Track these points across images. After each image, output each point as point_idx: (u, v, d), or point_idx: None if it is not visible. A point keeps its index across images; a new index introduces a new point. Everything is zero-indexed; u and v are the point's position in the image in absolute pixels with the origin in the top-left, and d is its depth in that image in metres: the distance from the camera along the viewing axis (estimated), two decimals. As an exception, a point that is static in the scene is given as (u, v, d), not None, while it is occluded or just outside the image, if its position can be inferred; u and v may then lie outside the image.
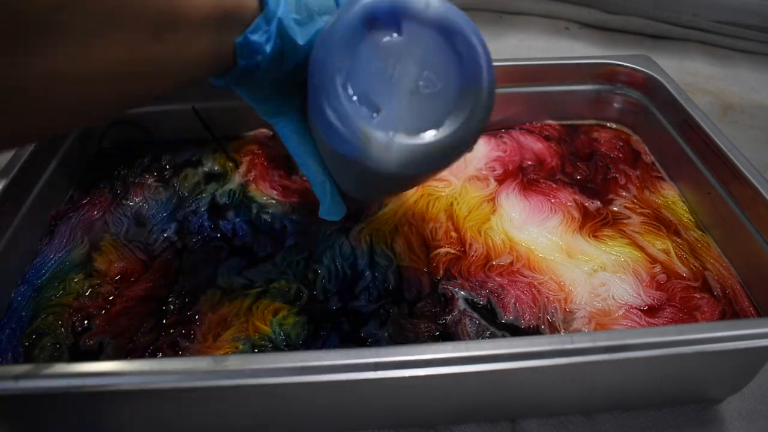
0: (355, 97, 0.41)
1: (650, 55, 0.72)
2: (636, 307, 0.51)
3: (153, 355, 0.48)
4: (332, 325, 0.50)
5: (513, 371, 0.39)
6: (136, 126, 0.72)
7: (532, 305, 0.52)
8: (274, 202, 0.64)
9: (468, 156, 0.70)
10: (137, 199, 0.64)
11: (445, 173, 0.67)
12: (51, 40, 0.29)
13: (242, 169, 0.68)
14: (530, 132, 0.73)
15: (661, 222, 0.60)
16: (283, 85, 0.48)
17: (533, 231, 0.59)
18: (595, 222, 0.60)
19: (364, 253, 0.57)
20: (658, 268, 0.55)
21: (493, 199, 0.63)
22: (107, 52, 0.32)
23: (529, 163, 0.69)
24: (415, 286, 0.54)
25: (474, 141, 0.44)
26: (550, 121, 0.75)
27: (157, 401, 0.42)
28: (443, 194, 0.64)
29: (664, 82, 0.68)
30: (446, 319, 0.51)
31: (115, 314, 0.51)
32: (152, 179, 0.67)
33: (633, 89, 0.72)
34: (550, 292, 0.52)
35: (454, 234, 0.59)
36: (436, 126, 0.42)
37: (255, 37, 0.42)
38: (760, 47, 1.05)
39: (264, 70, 0.45)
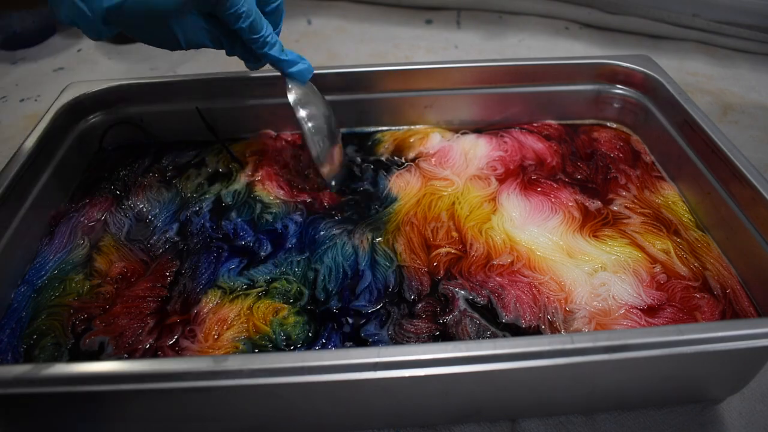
0: None
1: (650, 55, 0.72)
2: (636, 307, 0.51)
3: (153, 355, 0.48)
4: (333, 325, 0.50)
5: (513, 371, 0.39)
6: (136, 126, 0.72)
7: (533, 305, 0.52)
8: (278, 201, 0.64)
9: (470, 155, 0.70)
10: (138, 200, 0.64)
11: (448, 173, 0.67)
12: None
13: (248, 169, 0.68)
14: (530, 132, 0.73)
15: (661, 222, 0.60)
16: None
17: (534, 231, 0.59)
18: (596, 222, 0.60)
19: (365, 253, 0.57)
20: (658, 268, 0.55)
21: (494, 199, 0.63)
22: None
23: (530, 162, 0.69)
24: (416, 287, 0.54)
25: None
26: (550, 121, 0.75)
27: (157, 401, 0.42)
28: (445, 194, 0.64)
29: (664, 82, 0.68)
30: (446, 319, 0.51)
31: (115, 314, 0.51)
32: (154, 180, 0.67)
33: (633, 89, 0.72)
34: (551, 292, 0.52)
35: (455, 234, 0.59)
36: None
37: None
38: (760, 47, 1.05)
39: None
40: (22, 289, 0.54)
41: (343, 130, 0.75)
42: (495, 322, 0.51)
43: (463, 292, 0.53)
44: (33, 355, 0.49)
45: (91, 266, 0.56)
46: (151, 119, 0.72)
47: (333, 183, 0.66)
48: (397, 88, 0.72)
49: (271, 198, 0.64)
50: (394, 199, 0.64)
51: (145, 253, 0.58)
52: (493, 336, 0.49)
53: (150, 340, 0.49)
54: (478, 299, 0.52)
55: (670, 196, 0.64)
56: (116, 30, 0.51)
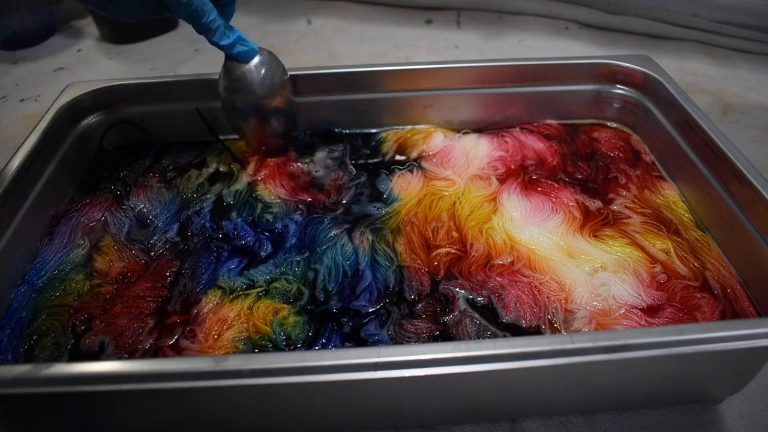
0: None
1: (650, 55, 0.72)
2: (636, 307, 0.51)
3: (153, 355, 0.48)
4: (333, 325, 0.50)
5: (513, 371, 0.39)
6: (136, 126, 0.72)
7: (533, 305, 0.52)
8: (279, 201, 0.64)
9: (471, 155, 0.70)
10: (139, 200, 0.64)
11: (449, 172, 0.67)
12: None
13: (250, 168, 0.68)
14: (531, 131, 0.73)
15: (661, 222, 0.60)
16: None
17: (534, 231, 0.59)
18: (596, 222, 0.60)
19: (365, 253, 0.57)
20: (658, 268, 0.55)
21: (494, 199, 0.63)
22: None
23: (531, 162, 0.69)
24: (416, 287, 0.54)
25: None
26: (550, 121, 0.75)
27: (157, 401, 0.42)
28: (446, 194, 0.64)
29: (664, 82, 0.68)
30: (447, 320, 0.51)
31: (115, 314, 0.51)
32: (154, 180, 0.67)
33: (633, 89, 0.72)
34: (551, 292, 0.52)
35: (455, 234, 0.59)
36: None
37: None
38: (760, 47, 1.05)
39: None
40: (22, 289, 0.54)
41: (343, 130, 0.75)
42: (495, 322, 0.51)
43: (463, 292, 0.53)
44: (33, 355, 0.49)
45: (91, 266, 0.56)
46: (151, 119, 0.72)
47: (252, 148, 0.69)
48: (397, 88, 0.72)
49: (272, 198, 0.64)
50: (395, 199, 0.64)
51: (146, 253, 0.58)
52: (494, 336, 0.49)
53: (150, 340, 0.49)
54: (479, 299, 0.52)
55: (670, 196, 0.64)
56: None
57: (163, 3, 0.56)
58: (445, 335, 0.50)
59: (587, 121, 0.76)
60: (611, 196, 0.64)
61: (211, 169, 0.69)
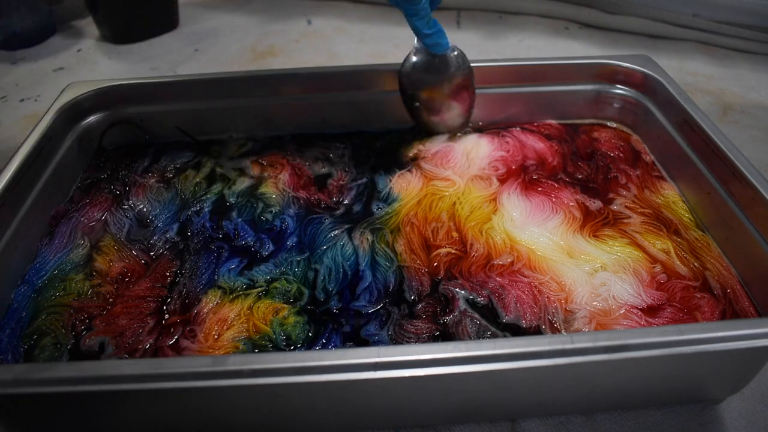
0: None
1: (650, 55, 0.72)
2: (636, 307, 0.51)
3: (153, 355, 0.48)
4: (333, 325, 0.50)
5: (513, 371, 0.39)
6: (136, 126, 0.72)
7: (533, 305, 0.52)
8: (279, 200, 0.64)
9: (471, 155, 0.70)
10: (139, 200, 0.64)
11: (449, 173, 0.67)
12: None
13: (256, 170, 0.68)
14: (531, 131, 0.74)
15: (661, 222, 0.60)
16: None
17: (534, 231, 0.59)
18: (596, 222, 0.60)
19: (365, 253, 0.57)
20: (658, 268, 0.55)
21: (494, 199, 0.63)
22: None
23: (531, 162, 0.69)
24: (416, 287, 0.54)
25: None
26: (550, 121, 0.75)
27: (157, 401, 0.42)
28: (447, 194, 0.64)
29: (664, 82, 0.68)
30: (447, 320, 0.51)
31: (115, 314, 0.51)
32: (154, 180, 0.67)
33: (633, 89, 0.72)
34: (551, 292, 0.52)
35: (455, 234, 0.59)
36: None
37: None
38: (760, 47, 1.05)
39: None
40: (22, 289, 0.54)
41: (343, 130, 0.75)
42: (495, 322, 0.51)
43: (463, 292, 0.53)
44: (33, 355, 0.49)
45: (91, 266, 0.56)
46: (151, 119, 0.72)
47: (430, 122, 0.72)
48: (397, 88, 0.72)
49: (273, 196, 0.64)
50: (395, 199, 0.64)
51: (146, 253, 0.58)
52: (494, 336, 0.49)
53: (150, 340, 0.49)
54: (479, 299, 0.52)
55: (670, 195, 0.64)
56: None
57: None
58: (445, 335, 0.50)
59: (587, 121, 0.76)
60: (611, 196, 0.64)
61: (208, 169, 0.69)
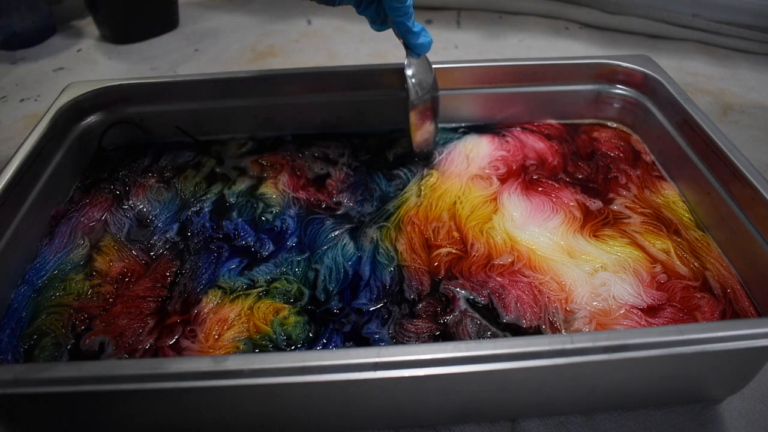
0: None
1: (650, 55, 0.72)
2: (636, 307, 0.51)
3: (153, 355, 0.48)
4: (333, 325, 0.50)
5: (513, 371, 0.39)
6: (136, 126, 0.72)
7: (533, 305, 0.52)
8: (280, 199, 0.64)
9: (471, 155, 0.70)
10: (139, 200, 0.64)
11: (450, 172, 0.67)
12: None
13: (256, 170, 0.68)
14: (532, 131, 0.74)
15: (661, 222, 0.60)
16: None
17: (534, 231, 0.59)
18: (596, 222, 0.60)
19: (366, 253, 0.57)
20: (658, 268, 0.55)
21: (495, 199, 0.63)
22: None
23: (532, 162, 0.69)
24: (416, 286, 0.54)
25: None
26: (551, 121, 0.75)
27: (157, 401, 0.42)
28: (447, 193, 0.64)
29: (664, 82, 0.68)
30: (447, 319, 0.51)
31: (115, 314, 0.51)
32: (154, 180, 0.67)
33: (633, 89, 0.72)
34: (551, 292, 0.52)
35: (456, 234, 0.59)
36: None
37: None
38: (760, 47, 1.05)
39: None
40: (22, 289, 0.54)
41: (343, 130, 0.75)
42: (496, 322, 0.51)
43: (463, 292, 0.53)
44: (33, 355, 0.49)
45: (91, 266, 0.56)
46: (151, 119, 0.72)
47: (419, 149, 0.68)
48: (397, 88, 0.72)
49: (273, 196, 0.64)
50: (396, 199, 0.64)
51: (146, 253, 0.58)
52: (494, 336, 0.49)
53: (150, 340, 0.49)
54: (479, 299, 0.52)
55: (670, 195, 0.64)
56: None
57: None
58: (446, 335, 0.50)
59: (587, 121, 0.76)
60: (611, 196, 0.64)
61: (208, 169, 0.69)
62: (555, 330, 0.50)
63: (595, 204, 0.63)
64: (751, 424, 0.48)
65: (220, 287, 0.54)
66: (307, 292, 0.54)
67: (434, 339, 0.49)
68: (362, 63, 0.74)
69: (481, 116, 0.75)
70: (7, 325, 0.51)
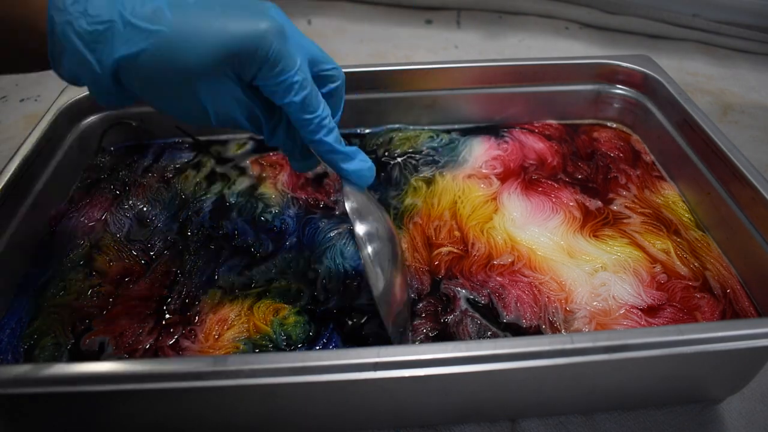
0: None
1: (650, 55, 0.72)
2: (636, 307, 0.51)
3: (153, 355, 0.48)
4: (333, 325, 0.50)
5: (513, 371, 0.39)
6: (136, 126, 0.72)
7: (534, 305, 0.52)
8: (281, 201, 0.64)
9: (471, 155, 0.70)
10: (139, 200, 0.64)
11: (450, 172, 0.67)
12: None
13: (256, 170, 0.68)
14: (531, 131, 0.74)
15: (661, 222, 0.60)
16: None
17: (535, 231, 0.59)
18: (596, 222, 0.60)
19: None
20: (658, 268, 0.55)
21: (495, 199, 0.63)
22: None
23: (531, 162, 0.69)
24: (416, 286, 0.54)
25: None
26: (550, 121, 0.75)
27: (157, 401, 0.42)
28: (447, 193, 0.64)
29: (664, 82, 0.68)
30: (447, 319, 0.51)
31: (115, 314, 0.51)
32: (154, 180, 0.67)
33: (633, 89, 0.72)
34: (551, 292, 0.52)
35: (457, 233, 0.59)
36: None
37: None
38: (760, 47, 1.05)
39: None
40: (23, 289, 0.54)
41: (343, 130, 0.75)
42: (496, 321, 0.51)
43: (464, 291, 0.53)
44: (33, 355, 0.49)
45: (91, 266, 0.56)
46: (151, 119, 0.72)
47: (394, 331, 0.46)
48: (397, 89, 0.72)
49: (274, 196, 0.64)
50: (396, 198, 0.64)
51: (146, 253, 0.58)
52: (494, 336, 0.49)
53: (150, 340, 0.49)
54: (479, 299, 0.52)
55: (670, 196, 0.64)
56: (130, 94, 0.41)
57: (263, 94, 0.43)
58: (446, 335, 0.50)
59: (587, 121, 0.76)
60: (611, 196, 0.64)
61: (208, 169, 0.69)
62: (555, 330, 0.50)
63: (594, 204, 0.63)
64: (751, 424, 0.48)
65: (219, 287, 0.54)
66: (306, 291, 0.53)
67: (434, 339, 0.49)
68: (362, 63, 0.74)
69: (481, 116, 0.75)
70: (7, 325, 0.51)
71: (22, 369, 0.38)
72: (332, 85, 0.47)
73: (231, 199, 0.64)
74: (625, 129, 0.75)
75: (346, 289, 0.54)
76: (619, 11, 1.12)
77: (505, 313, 0.51)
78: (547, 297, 0.52)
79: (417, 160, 0.70)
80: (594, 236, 0.59)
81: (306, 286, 0.54)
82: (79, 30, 0.37)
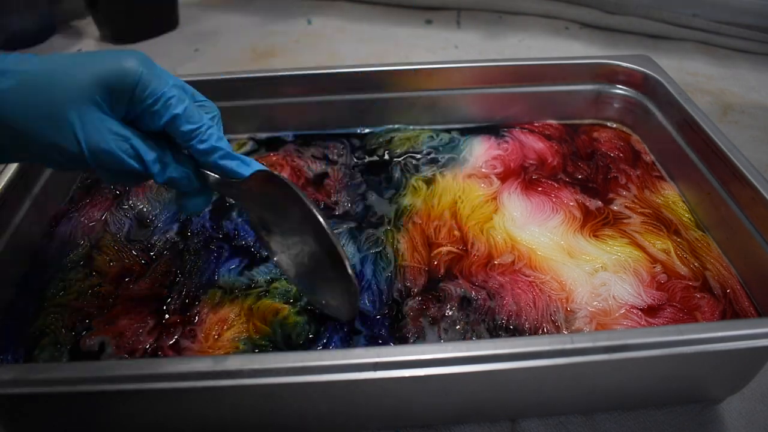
0: None
1: (650, 55, 0.72)
2: (636, 307, 0.51)
3: (153, 355, 0.48)
4: (333, 325, 0.50)
5: (513, 371, 0.39)
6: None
7: (534, 305, 0.52)
8: None
9: (471, 155, 0.70)
10: (139, 200, 0.64)
11: (450, 172, 0.67)
12: None
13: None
14: (531, 131, 0.74)
15: (661, 222, 0.60)
16: None
17: (535, 230, 0.59)
18: (596, 221, 0.60)
19: (366, 253, 0.57)
20: (658, 268, 0.55)
21: (495, 198, 0.63)
22: None
23: (531, 162, 0.69)
24: (417, 286, 0.54)
25: None
26: (550, 121, 0.75)
27: (157, 401, 0.42)
28: (448, 192, 0.64)
29: (664, 82, 0.68)
30: (446, 319, 0.51)
31: (115, 314, 0.51)
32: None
33: (633, 89, 0.72)
34: (552, 292, 0.52)
35: (456, 233, 0.59)
36: None
37: None
38: (760, 47, 1.05)
39: None
40: (23, 289, 0.54)
41: (343, 130, 0.75)
42: (496, 321, 0.51)
43: (463, 291, 0.53)
44: (33, 355, 0.49)
45: (91, 266, 0.56)
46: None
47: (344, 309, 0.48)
48: (397, 89, 0.72)
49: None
50: (396, 198, 0.64)
51: (146, 253, 0.58)
52: (494, 336, 0.49)
53: (150, 340, 0.49)
54: (479, 299, 0.52)
55: (670, 196, 0.64)
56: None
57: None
58: (446, 334, 0.50)
59: (587, 121, 0.76)
60: (611, 196, 0.64)
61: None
62: (555, 330, 0.50)
63: (594, 204, 0.63)
64: (751, 424, 0.48)
65: (219, 287, 0.54)
66: (307, 292, 0.53)
67: (432, 338, 0.49)
68: (362, 63, 0.74)
69: (481, 116, 0.75)
70: (8, 325, 0.51)
71: (22, 369, 0.38)
72: (209, 116, 0.46)
73: (231, 199, 0.64)
74: (625, 129, 0.75)
75: (346, 289, 0.54)
76: (619, 11, 1.12)
77: (505, 313, 0.51)
78: (548, 297, 0.52)
79: (417, 160, 0.70)
80: (594, 236, 0.59)
81: (306, 286, 0.54)
82: None
